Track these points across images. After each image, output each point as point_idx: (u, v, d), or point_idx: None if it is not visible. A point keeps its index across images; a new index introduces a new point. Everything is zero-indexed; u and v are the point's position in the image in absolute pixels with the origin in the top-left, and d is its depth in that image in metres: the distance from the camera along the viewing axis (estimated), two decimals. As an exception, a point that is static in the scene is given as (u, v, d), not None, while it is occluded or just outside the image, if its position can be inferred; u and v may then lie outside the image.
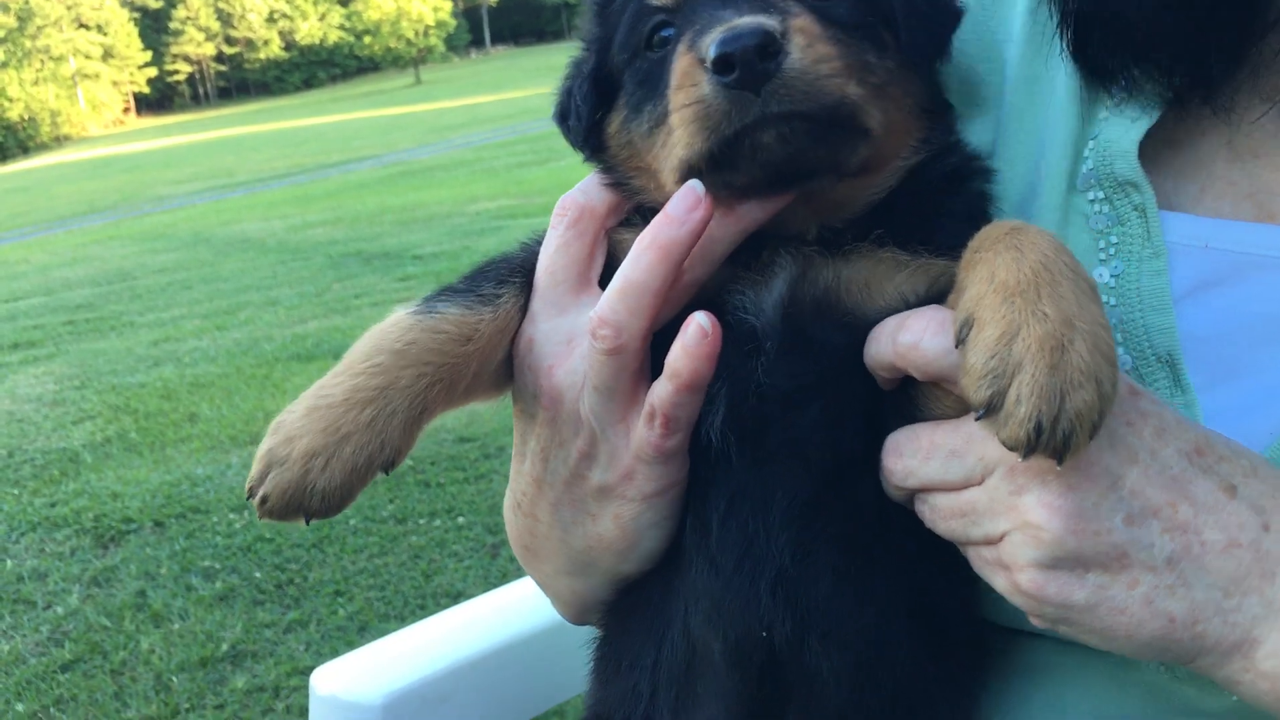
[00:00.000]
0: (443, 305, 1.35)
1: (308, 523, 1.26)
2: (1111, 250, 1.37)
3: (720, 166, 1.25)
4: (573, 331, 1.38)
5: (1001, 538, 1.16)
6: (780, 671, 1.30)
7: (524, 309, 1.42)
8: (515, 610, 1.93)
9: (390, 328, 1.33)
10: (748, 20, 1.19)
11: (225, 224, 23.39)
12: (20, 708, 5.12)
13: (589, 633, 1.57)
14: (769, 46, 1.17)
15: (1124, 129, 1.37)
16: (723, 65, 1.18)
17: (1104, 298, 1.37)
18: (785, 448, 1.29)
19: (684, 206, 1.27)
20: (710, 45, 1.18)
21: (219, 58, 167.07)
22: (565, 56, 1.56)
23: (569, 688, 1.96)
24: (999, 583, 1.19)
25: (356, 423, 1.25)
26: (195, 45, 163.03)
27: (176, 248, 20.62)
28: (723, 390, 1.29)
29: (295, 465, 1.23)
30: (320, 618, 5.67)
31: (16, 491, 7.96)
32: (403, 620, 5.50)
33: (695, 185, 1.27)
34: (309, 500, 1.23)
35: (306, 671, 5.15)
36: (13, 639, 5.80)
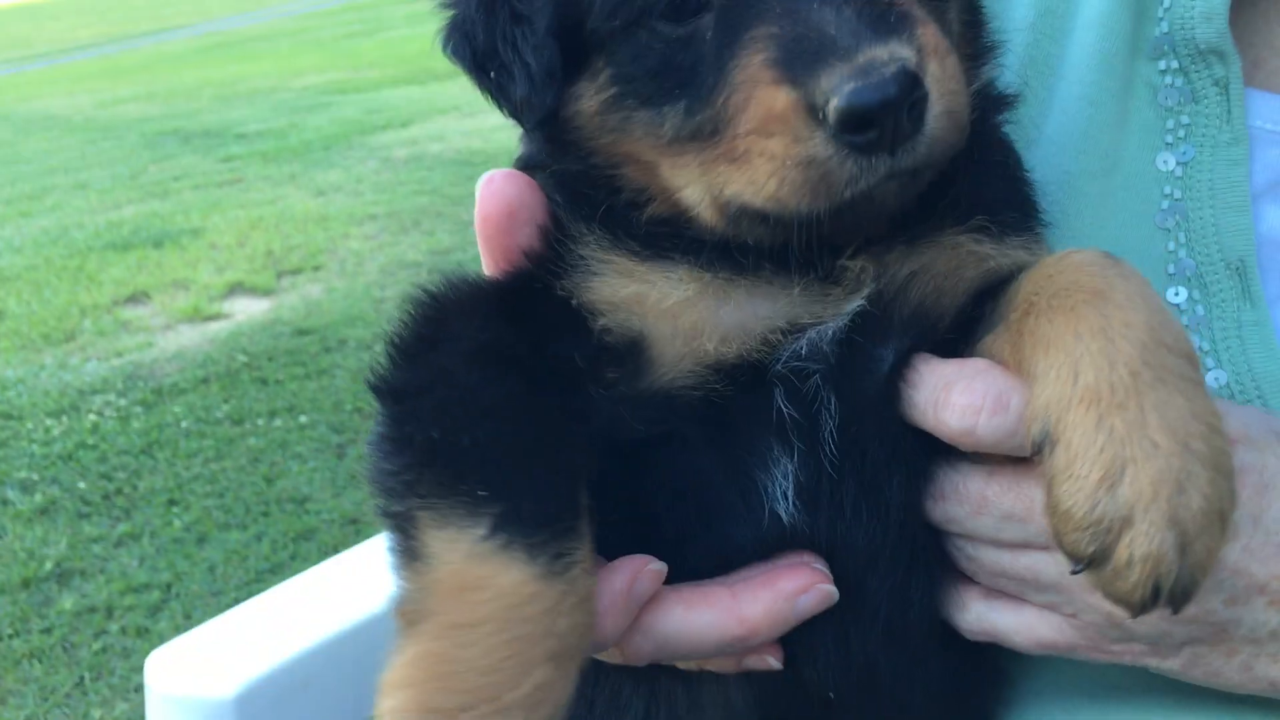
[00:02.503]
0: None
1: None
2: (1182, 133, 1.19)
3: (809, 221, 0.98)
4: None
5: (1074, 615, 1.04)
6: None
7: None
8: (379, 571, 1.70)
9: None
10: (881, 54, 0.89)
11: (25, 99, 21.99)
12: None
13: None
14: (915, 92, 0.91)
15: None
16: (857, 123, 0.90)
17: (1168, 189, 1.19)
18: (864, 506, 1.08)
19: None
20: (837, 94, 0.89)
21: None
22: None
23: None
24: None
25: None
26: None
27: (-30, 126, 19.14)
28: (789, 462, 1.06)
29: None
30: (154, 529, 5.34)
31: None
32: (244, 529, 5.23)
33: None
34: None
35: (141, 589, 4.87)
36: None
